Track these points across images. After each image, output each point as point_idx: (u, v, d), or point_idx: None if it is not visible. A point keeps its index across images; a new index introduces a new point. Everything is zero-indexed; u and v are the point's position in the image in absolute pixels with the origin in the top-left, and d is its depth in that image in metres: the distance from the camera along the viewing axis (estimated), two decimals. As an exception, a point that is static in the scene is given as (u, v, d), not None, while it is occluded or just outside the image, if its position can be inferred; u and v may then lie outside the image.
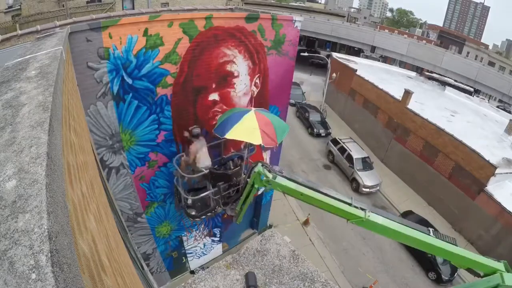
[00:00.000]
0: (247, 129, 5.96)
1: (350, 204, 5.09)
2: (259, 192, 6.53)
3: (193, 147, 6.81)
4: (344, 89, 23.69)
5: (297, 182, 5.36)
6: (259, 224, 11.97)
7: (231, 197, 7.23)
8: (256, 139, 5.90)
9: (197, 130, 7.00)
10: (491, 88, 30.63)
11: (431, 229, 5.11)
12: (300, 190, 5.27)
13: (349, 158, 16.56)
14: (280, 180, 5.36)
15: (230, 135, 5.87)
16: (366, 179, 15.79)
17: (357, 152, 16.83)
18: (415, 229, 5.13)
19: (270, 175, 5.40)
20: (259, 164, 5.52)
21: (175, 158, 7.12)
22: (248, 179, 5.80)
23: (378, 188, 16.19)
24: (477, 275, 5.07)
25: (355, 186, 16.07)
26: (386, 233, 5.12)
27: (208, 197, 7.21)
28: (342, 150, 17.22)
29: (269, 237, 4.70)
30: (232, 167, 7.43)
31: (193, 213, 7.23)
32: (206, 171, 6.86)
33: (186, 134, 7.03)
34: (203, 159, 6.89)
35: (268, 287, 3.00)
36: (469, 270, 5.04)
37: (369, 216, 4.99)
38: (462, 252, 4.93)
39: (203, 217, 7.44)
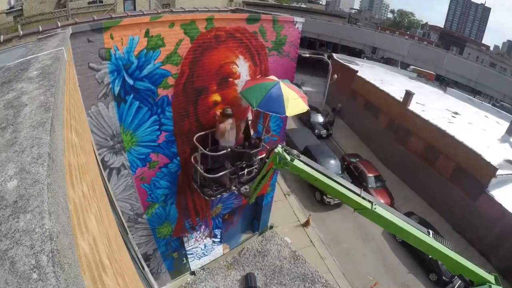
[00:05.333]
0: (294, 102, 6.48)
1: (359, 195, 5.52)
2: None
3: (222, 126, 7.08)
4: (345, 90, 23.68)
5: (313, 168, 5.79)
6: (260, 225, 11.97)
7: (246, 177, 7.56)
8: (304, 107, 6.64)
9: (229, 110, 7.21)
10: (492, 89, 30.61)
11: (431, 231, 5.32)
12: (315, 175, 5.69)
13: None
14: (297, 163, 5.81)
15: (290, 113, 6.41)
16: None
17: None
18: (415, 228, 5.41)
19: (288, 157, 5.82)
20: (279, 146, 5.99)
21: (195, 136, 7.21)
22: (267, 160, 6.28)
23: None
24: (466, 282, 5.28)
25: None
26: (387, 227, 5.55)
27: (225, 177, 7.34)
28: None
29: (269, 238, 4.72)
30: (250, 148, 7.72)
31: (209, 192, 7.39)
32: (228, 150, 7.06)
33: (218, 112, 7.34)
34: (230, 138, 7.23)
35: (268, 287, 3.00)
36: (460, 276, 5.23)
37: (375, 208, 5.38)
38: (457, 257, 5.12)
39: (218, 196, 7.59)
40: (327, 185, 5.63)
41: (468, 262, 5.08)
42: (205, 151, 6.93)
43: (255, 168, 7.50)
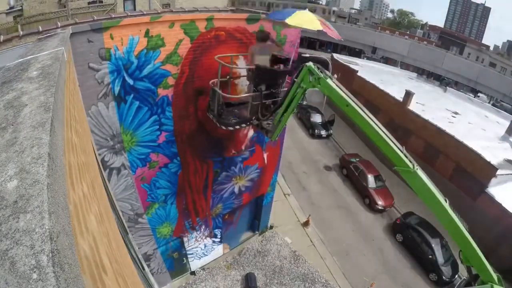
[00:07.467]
0: (306, 18, 5.66)
1: (400, 151, 5.09)
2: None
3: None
4: (345, 90, 23.65)
5: (347, 94, 5.26)
6: (260, 225, 11.97)
7: (269, 109, 6.70)
8: (317, 26, 5.58)
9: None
10: (492, 89, 30.61)
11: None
12: (348, 100, 5.17)
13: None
14: (330, 81, 5.30)
15: (291, 20, 5.47)
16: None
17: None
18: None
19: (321, 74, 5.30)
20: (310, 62, 5.47)
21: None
22: (295, 79, 5.75)
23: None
24: (471, 275, 5.17)
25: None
26: (423, 194, 5.31)
27: (246, 107, 6.73)
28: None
29: (269, 238, 4.72)
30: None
31: (226, 121, 6.69)
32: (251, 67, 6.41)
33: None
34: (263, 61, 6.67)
35: (268, 287, 3.00)
36: (468, 269, 5.12)
37: (417, 169, 5.10)
38: (475, 245, 4.98)
39: (237, 127, 6.87)
40: (360, 116, 5.07)
41: (481, 253, 5.02)
42: (225, 95, 6.33)
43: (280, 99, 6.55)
